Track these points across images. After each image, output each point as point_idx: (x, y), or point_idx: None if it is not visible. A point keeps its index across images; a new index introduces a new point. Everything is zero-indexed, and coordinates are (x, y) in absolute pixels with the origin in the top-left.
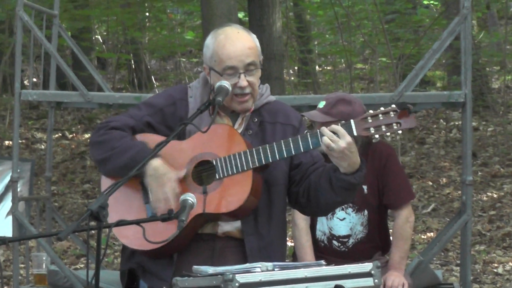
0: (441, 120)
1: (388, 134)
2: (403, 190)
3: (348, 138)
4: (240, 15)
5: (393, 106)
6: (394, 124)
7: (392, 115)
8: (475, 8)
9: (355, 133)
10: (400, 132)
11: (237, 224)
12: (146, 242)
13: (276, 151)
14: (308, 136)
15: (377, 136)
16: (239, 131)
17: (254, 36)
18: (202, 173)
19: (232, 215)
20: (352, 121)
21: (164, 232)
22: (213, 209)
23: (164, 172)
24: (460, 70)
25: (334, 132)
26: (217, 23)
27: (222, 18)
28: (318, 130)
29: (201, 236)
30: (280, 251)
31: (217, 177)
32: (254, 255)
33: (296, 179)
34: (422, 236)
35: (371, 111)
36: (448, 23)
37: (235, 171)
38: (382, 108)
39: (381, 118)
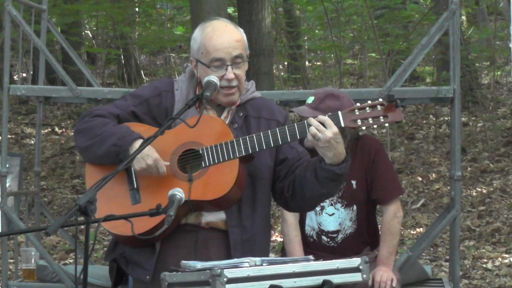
0: (431, 116)
1: (375, 126)
2: (392, 185)
3: (335, 129)
4: (230, 10)
5: (380, 99)
6: (381, 117)
7: (379, 108)
8: (464, 3)
9: (342, 124)
10: (386, 125)
11: (221, 215)
12: (127, 227)
13: (263, 140)
14: (295, 126)
15: (363, 128)
16: None
17: (242, 30)
18: (188, 161)
19: (216, 204)
20: (339, 112)
21: (150, 221)
22: (198, 196)
23: (148, 153)
24: (449, 65)
25: (321, 123)
26: (206, 18)
27: (211, 13)
28: (305, 121)
29: (184, 227)
30: (263, 245)
31: (203, 165)
32: (237, 248)
33: (281, 174)
34: (411, 232)
35: (358, 104)
36: (437, 19)
37: (221, 160)
38: (369, 102)
39: (368, 110)
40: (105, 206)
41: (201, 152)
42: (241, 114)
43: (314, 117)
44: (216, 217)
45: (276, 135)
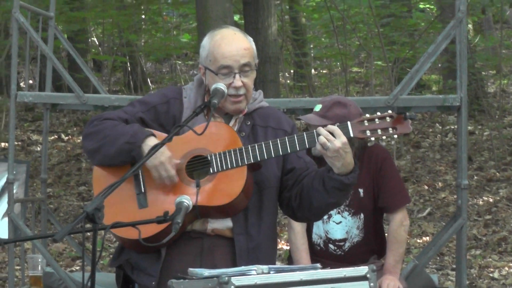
0: (437, 124)
1: (384, 137)
2: (399, 193)
3: (344, 138)
4: (236, 18)
5: (390, 111)
6: (390, 129)
7: (388, 120)
8: (470, 12)
9: (351, 135)
10: (395, 136)
11: (227, 223)
12: (133, 231)
13: (272, 149)
14: (304, 135)
15: (372, 139)
16: None
17: (251, 38)
18: (196, 167)
19: (222, 211)
20: (349, 122)
21: (157, 226)
22: (205, 202)
23: (161, 150)
24: (456, 74)
25: (330, 132)
26: (212, 25)
27: (217, 21)
28: (314, 130)
29: (190, 234)
30: (269, 253)
31: (211, 171)
32: (242, 256)
33: (289, 184)
34: (418, 240)
35: (367, 115)
36: (443, 27)
37: (229, 166)
38: (378, 113)
39: (377, 122)
40: (112, 209)
41: (209, 158)
42: (249, 123)
43: (323, 126)
44: (222, 224)
45: (285, 144)
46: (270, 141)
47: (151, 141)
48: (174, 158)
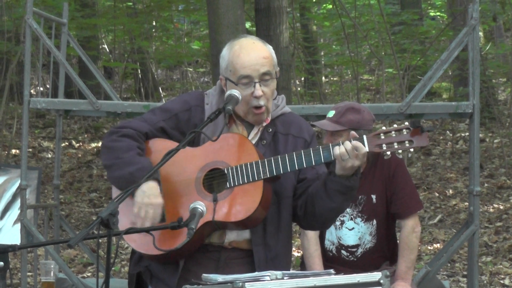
0: (448, 132)
1: (400, 151)
2: (411, 200)
3: (363, 159)
4: (247, 25)
5: (406, 123)
6: (407, 142)
7: (405, 133)
8: (481, 20)
9: (367, 149)
10: (411, 150)
11: (245, 234)
12: (153, 247)
13: (288, 163)
14: (320, 149)
15: (388, 153)
16: (254, 140)
17: (270, 47)
18: (213, 180)
19: (240, 224)
20: (364, 136)
21: (172, 239)
22: (222, 217)
23: (157, 194)
24: (467, 81)
25: (355, 147)
26: (224, 33)
27: (229, 28)
28: (330, 145)
29: (207, 247)
30: (286, 263)
31: (227, 185)
32: (261, 267)
33: (297, 193)
34: (429, 247)
35: (384, 128)
36: (455, 34)
37: (246, 181)
38: (395, 125)
39: (394, 135)
40: (129, 222)
41: (226, 172)
42: (270, 130)
43: (337, 132)
44: (239, 236)
45: (301, 159)
46: (287, 156)
47: (153, 184)
48: (162, 208)
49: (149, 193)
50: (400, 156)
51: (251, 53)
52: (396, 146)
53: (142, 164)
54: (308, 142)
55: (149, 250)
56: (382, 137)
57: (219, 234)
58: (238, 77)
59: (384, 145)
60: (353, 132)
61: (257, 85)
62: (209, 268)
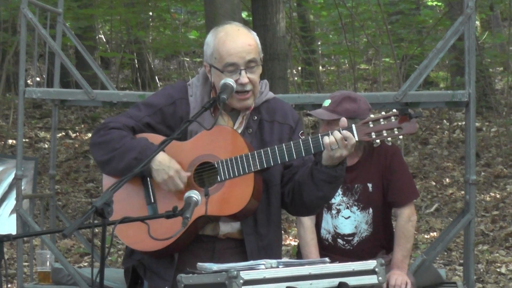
0: (444, 121)
1: (389, 139)
2: (408, 188)
3: (352, 149)
4: (244, 14)
5: (394, 110)
6: (395, 129)
7: (393, 120)
8: (478, 9)
9: (356, 138)
10: (400, 137)
11: (237, 225)
12: (147, 243)
13: (278, 155)
14: (310, 141)
15: (378, 141)
16: (240, 129)
17: (255, 33)
18: (204, 174)
19: (233, 217)
20: (353, 126)
21: (168, 231)
22: (215, 211)
23: (170, 165)
24: (464, 71)
25: (344, 138)
26: (220, 22)
27: (225, 18)
28: (319, 134)
29: (201, 238)
30: (278, 250)
31: (218, 179)
32: (254, 255)
33: (284, 180)
34: (425, 236)
35: (372, 116)
36: (452, 24)
37: (236, 174)
38: (383, 113)
39: (383, 122)
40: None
41: (216, 166)
42: (256, 118)
43: (333, 121)
44: (232, 227)
45: (291, 150)
46: (276, 148)
47: (160, 157)
48: (183, 171)
49: (163, 167)
50: (389, 144)
51: (236, 40)
52: (385, 134)
53: (142, 146)
54: (293, 128)
55: (143, 246)
56: (371, 125)
57: (213, 226)
58: (223, 65)
59: (373, 133)
60: (344, 119)
61: (243, 72)
62: (204, 258)
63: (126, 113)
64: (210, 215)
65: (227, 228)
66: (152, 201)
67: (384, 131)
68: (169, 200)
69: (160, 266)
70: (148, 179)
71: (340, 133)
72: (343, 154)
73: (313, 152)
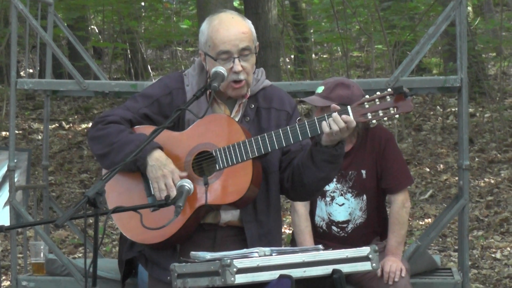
0: (438, 107)
1: (386, 119)
2: (402, 174)
3: (351, 130)
4: (236, 3)
5: (389, 90)
6: (391, 109)
7: (389, 99)
8: None
9: (352, 119)
10: (397, 116)
11: (238, 213)
12: (149, 235)
13: (275, 140)
14: (306, 125)
15: (374, 121)
16: (237, 118)
17: (249, 21)
18: (202, 163)
19: (234, 205)
20: (349, 107)
21: (162, 221)
22: (215, 200)
23: (166, 163)
24: (456, 56)
25: (345, 122)
26: (212, 11)
27: (217, 6)
28: (315, 118)
29: (202, 226)
30: (278, 237)
31: (217, 168)
32: (254, 243)
33: (282, 166)
34: (420, 222)
35: (367, 96)
36: (444, 9)
37: (235, 162)
38: (378, 93)
39: (378, 103)
40: (126, 213)
41: (214, 154)
42: (253, 106)
43: (326, 107)
44: (233, 215)
45: (287, 135)
46: (273, 133)
47: (157, 154)
48: (178, 171)
49: (159, 164)
50: (386, 123)
51: (230, 28)
52: (381, 114)
53: (139, 140)
54: (290, 115)
55: (146, 239)
56: (367, 106)
57: (214, 215)
58: (217, 53)
59: (369, 114)
60: (335, 106)
61: (236, 60)
62: (206, 247)
63: (123, 105)
64: (211, 203)
65: (228, 216)
66: (152, 193)
67: (380, 111)
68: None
69: (162, 257)
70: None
71: (341, 117)
72: (343, 136)
73: (309, 135)
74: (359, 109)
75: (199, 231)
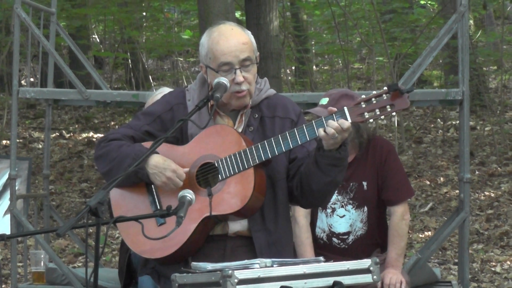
0: (438, 120)
1: (383, 117)
2: (402, 186)
3: (348, 133)
4: (237, 14)
5: (385, 88)
6: (388, 106)
7: (385, 97)
8: (472, 8)
9: (349, 120)
10: (394, 114)
11: (246, 222)
12: (159, 250)
13: (274, 146)
14: (304, 127)
15: (371, 120)
16: (240, 128)
17: (249, 32)
18: (207, 175)
19: (239, 214)
20: (345, 108)
21: (168, 248)
22: (219, 210)
23: (165, 166)
24: (457, 69)
25: (342, 127)
26: (214, 22)
27: (219, 17)
28: (312, 121)
29: (212, 238)
30: (288, 246)
31: (220, 178)
32: (263, 252)
33: (290, 174)
34: (420, 235)
35: (363, 96)
36: (445, 22)
37: (236, 171)
38: (374, 92)
39: (374, 101)
40: (132, 228)
41: (216, 165)
42: (256, 115)
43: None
44: (242, 225)
45: (286, 140)
46: (272, 139)
47: (154, 160)
48: (180, 168)
49: (159, 169)
50: (384, 122)
51: (230, 39)
52: (378, 112)
53: (135, 152)
54: (295, 122)
55: (156, 254)
56: (363, 105)
57: (222, 226)
58: (218, 64)
59: (366, 113)
60: (331, 108)
61: (238, 71)
62: (216, 258)
63: (126, 124)
64: (216, 214)
65: (237, 227)
66: (158, 207)
67: (377, 110)
68: (174, 204)
69: (174, 270)
70: (152, 186)
71: (335, 121)
72: (343, 138)
73: (308, 139)
74: (356, 109)
75: (209, 242)
